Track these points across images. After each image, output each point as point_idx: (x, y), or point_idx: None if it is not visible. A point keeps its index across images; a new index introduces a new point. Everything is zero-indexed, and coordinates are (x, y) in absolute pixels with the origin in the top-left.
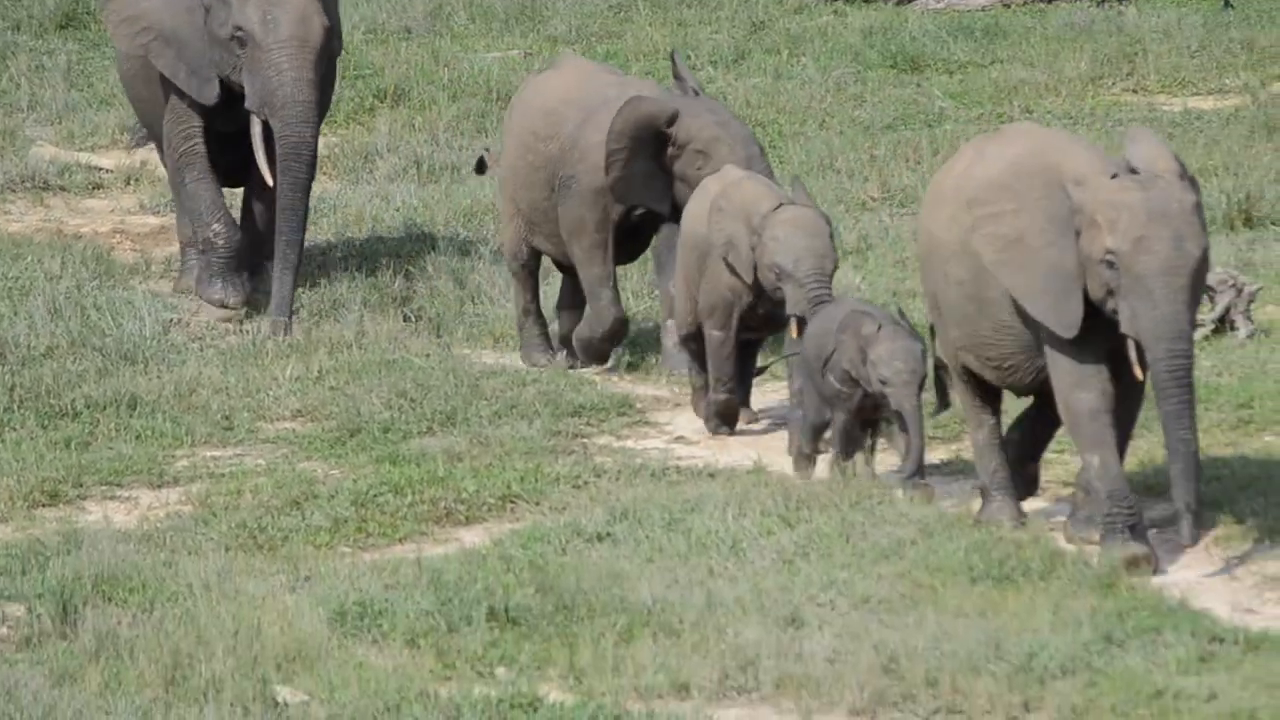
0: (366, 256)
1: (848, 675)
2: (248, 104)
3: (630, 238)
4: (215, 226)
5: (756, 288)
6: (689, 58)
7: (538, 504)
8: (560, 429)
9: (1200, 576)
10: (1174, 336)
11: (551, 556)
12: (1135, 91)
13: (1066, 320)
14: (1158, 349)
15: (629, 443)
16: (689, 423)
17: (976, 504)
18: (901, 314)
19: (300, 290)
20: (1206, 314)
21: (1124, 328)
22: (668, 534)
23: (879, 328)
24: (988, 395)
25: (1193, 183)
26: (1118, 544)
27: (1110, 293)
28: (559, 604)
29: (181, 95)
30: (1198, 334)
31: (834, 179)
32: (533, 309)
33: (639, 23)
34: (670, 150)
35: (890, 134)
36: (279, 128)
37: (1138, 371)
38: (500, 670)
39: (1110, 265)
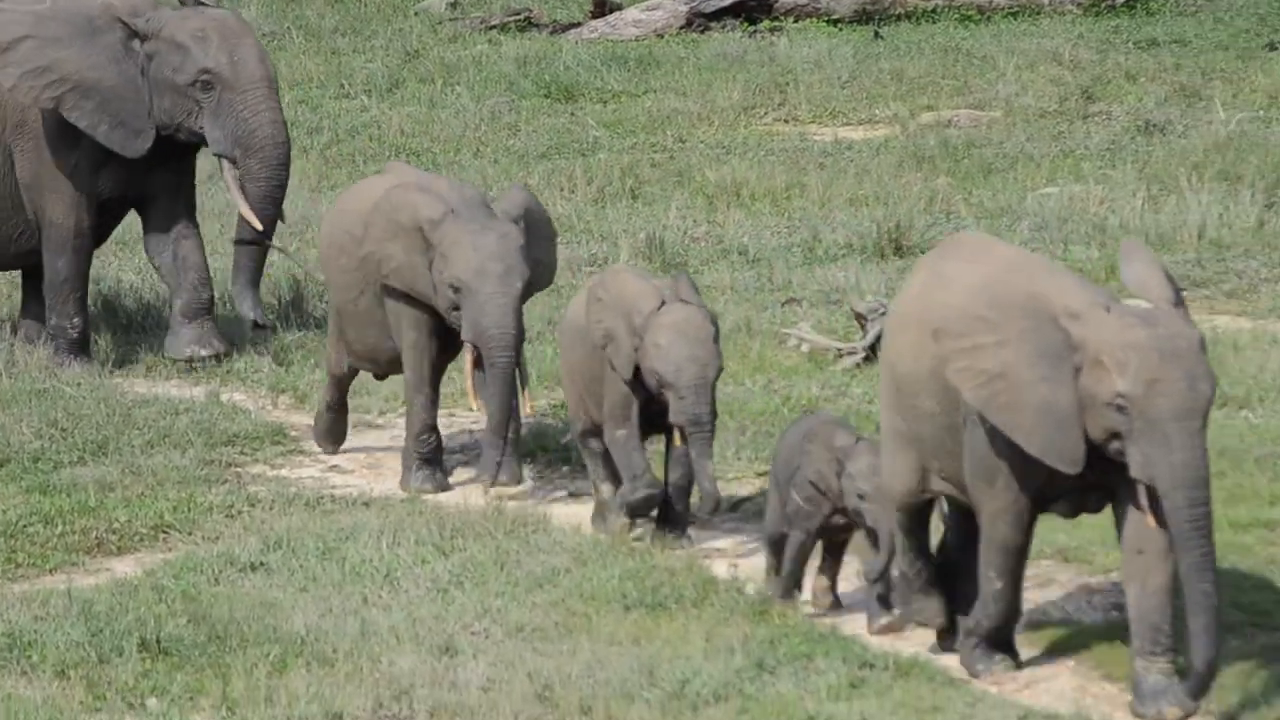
0: (17, 284)
1: (502, 703)
2: (213, 148)
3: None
4: (76, 320)
5: (639, 384)
6: (343, 86)
7: (190, 534)
8: (214, 458)
9: (853, 603)
10: (1193, 483)
11: (204, 586)
12: (787, 121)
13: (1069, 457)
14: (1177, 497)
15: (283, 471)
16: (343, 451)
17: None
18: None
19: None
20: (858, 341)
21: (1135, 473)
22: (322, 563)
23: (856, 440)
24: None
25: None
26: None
27: (1115, 435)
28: (211, 634)
29: (79, 161)
30: (849, 362)
31: None
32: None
33: (293, 51)
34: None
35: (545, 163)
36: (256, 169)
37: (1150, 520)
38: (152, 701)
39: (1120, 409)
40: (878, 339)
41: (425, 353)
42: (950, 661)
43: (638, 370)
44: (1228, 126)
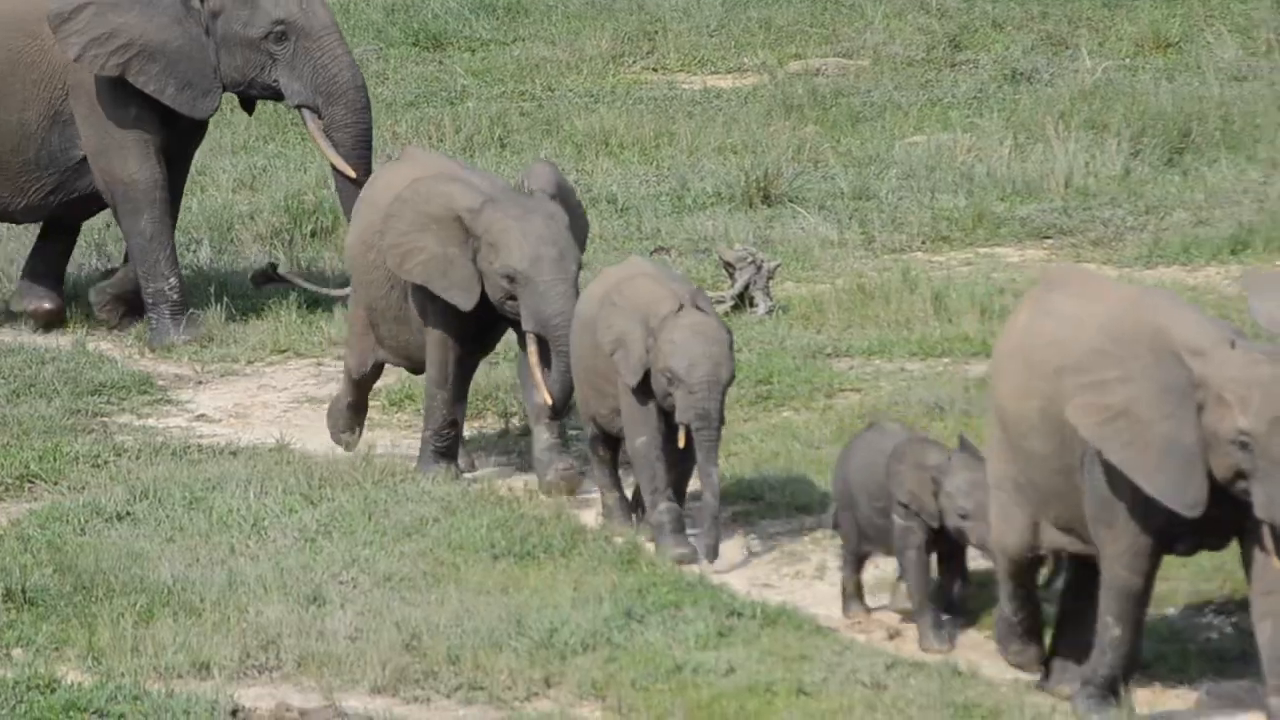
0: None
1: (370, 653)
2: (293, 100)
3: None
4: (172, 280)
5: (643, 388)
6: None
7: (56, 484)
8: (80, 407)
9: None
10: None
11: (70, 536)
12: (656, 70)
13: (1190, 499)
14: None
15: (150, 421)
16: (211, 400)
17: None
18: (964, 440)
19: None
20: (727, 290)
21: (1259, 513)
22: (189, 513)
23: (949, 457)
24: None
25: None
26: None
27: (1240, 475)
28: (77, 584)
29: (145, 124)
30: (719, 309)
31: None
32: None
33: None
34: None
35: (413, 111)
36: (342, 115)
37: (1275, 561)
38: (17, 652)
39: (1243, 446)
40: (746, 287)
41: (450, 349)
42: (818, 610)
43: (646, 376)
44: (1094, 75)
